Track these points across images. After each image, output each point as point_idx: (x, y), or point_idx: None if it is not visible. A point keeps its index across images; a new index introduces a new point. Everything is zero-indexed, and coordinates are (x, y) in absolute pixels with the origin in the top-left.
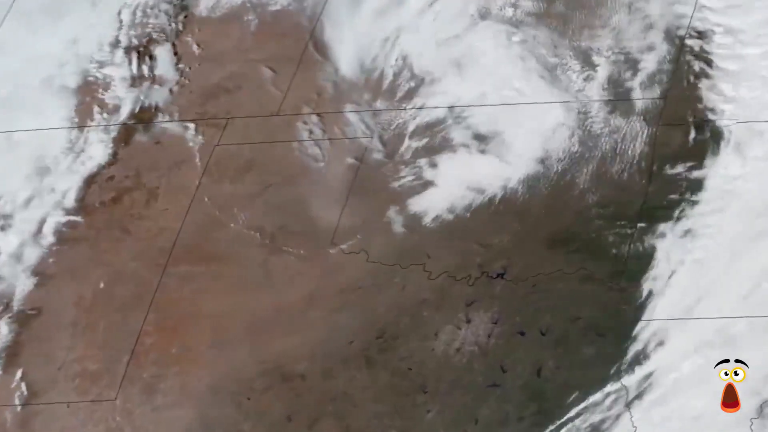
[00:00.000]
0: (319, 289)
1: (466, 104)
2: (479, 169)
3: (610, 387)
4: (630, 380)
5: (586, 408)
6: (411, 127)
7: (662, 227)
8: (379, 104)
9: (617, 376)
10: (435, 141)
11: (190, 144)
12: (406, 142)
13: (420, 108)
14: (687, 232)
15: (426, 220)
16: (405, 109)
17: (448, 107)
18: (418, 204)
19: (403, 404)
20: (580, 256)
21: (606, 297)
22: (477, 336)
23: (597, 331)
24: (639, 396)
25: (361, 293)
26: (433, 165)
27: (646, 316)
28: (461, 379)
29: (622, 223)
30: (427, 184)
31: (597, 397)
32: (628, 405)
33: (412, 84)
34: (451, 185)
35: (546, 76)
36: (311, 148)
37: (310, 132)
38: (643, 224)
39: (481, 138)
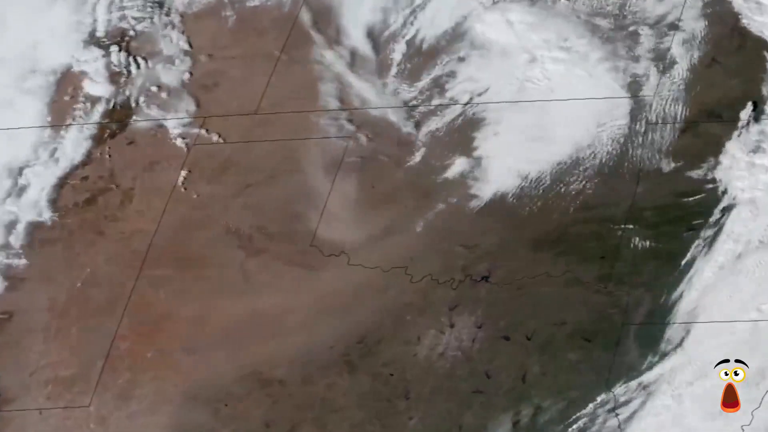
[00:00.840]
0: (298, 293)
1: (457, 103)
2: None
3: (597, 394)
4: (619, 388)
5: (573, 416)
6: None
7: (659, 227)
8: (375, 100)
9: (605, 383)
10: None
11: (166, 143)
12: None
13: (414, 107)
14: (686, 233)
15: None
16: (397, 108)
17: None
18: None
19: (385, 411)
20: (566, 258)
21: (593, 301)
22: (461, 341)
23: (583, 336)
24: (627, 404)
25: (342, 297)
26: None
27: (634, 320)
28: (444, 384)
29: (611, 224)
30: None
31: (584, 404)
32: (618, 414)
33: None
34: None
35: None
36: (344, 142)
37: (341, 128)
38: (631, 226)
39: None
